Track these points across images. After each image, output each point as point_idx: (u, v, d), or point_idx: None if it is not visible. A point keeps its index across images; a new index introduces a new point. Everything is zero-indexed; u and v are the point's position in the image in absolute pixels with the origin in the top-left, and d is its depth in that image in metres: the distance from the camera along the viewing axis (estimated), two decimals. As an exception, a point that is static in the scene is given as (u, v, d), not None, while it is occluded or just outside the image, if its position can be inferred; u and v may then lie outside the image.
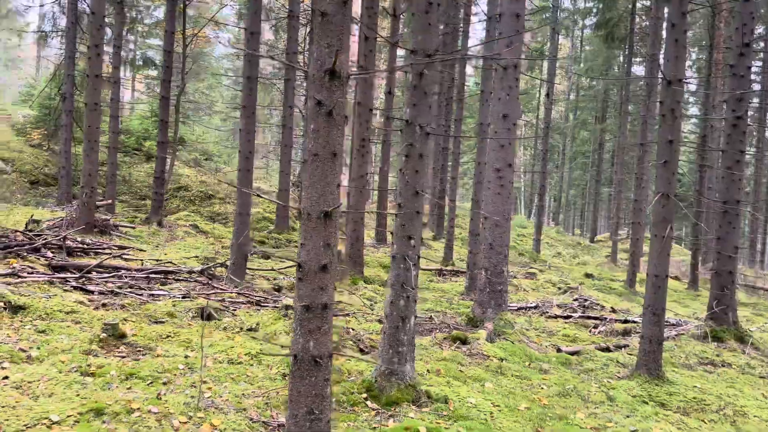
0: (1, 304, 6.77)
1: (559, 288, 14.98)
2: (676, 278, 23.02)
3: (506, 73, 9.83)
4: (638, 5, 25.88)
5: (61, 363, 5.52)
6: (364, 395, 5.61)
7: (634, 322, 10.79)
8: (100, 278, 9.16)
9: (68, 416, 4.42)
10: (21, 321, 6.63)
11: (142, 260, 11.20)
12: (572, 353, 8.59)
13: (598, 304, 12.61)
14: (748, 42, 10.54)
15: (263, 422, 4.83)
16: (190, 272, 10.38)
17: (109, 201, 16.97)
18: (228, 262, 10.76)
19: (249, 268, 11.35)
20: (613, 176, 31.76)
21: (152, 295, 8.76)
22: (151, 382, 5.36)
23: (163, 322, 7.49)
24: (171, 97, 17.64)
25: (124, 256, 11.26)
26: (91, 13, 13.82)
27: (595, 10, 31.97)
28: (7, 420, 4.26)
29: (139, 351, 6.29)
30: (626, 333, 10.31)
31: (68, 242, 10.73)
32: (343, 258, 13.32)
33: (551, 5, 27.73)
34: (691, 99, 34.06)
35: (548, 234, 32.82)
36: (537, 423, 5.71)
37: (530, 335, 9.48)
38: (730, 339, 10.20)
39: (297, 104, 19.18)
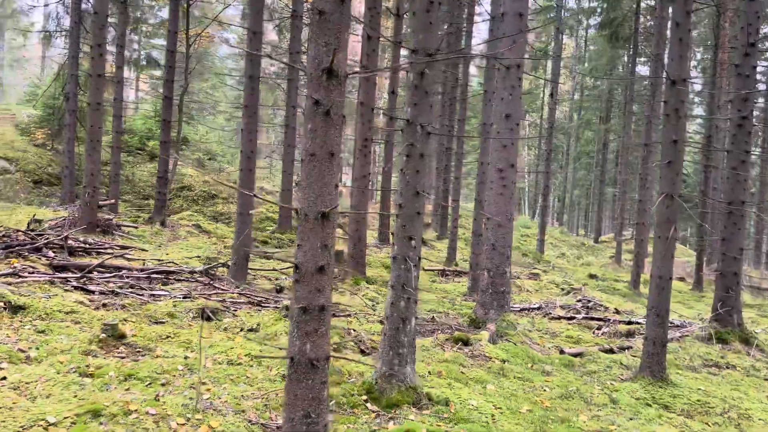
0: (1, 304, 6.75)
1: (563, 289, 14.92)
2: (681, 279, 22.91)
3: (509, 73, 9.77)
4: (643, 5, 25.79)
5: (60, 363, 5.49)
6: (365, 397, 5.56)
7: (638, 323, 10.71)
8: (101, 278, 9.14)
9: (65, 418, 4.38)
10: (21, 321, 6.60)
11: (143, 260, 11.18)
12: (575, 355, 8.53)
13: (601, 305, 12.54)
14: (754, 42, 10.46)
15: (262, 424, 4.79)
16: (192, 272, 10.36)
17: (112, 201, 16.97)
18: (229, 263, 10.73)
19: (251, 269, 11.32)
20: (618, 176, 31.68)
21: (153, 295, 8.73)
22: (150, 383, 5.33)
23: (163, 323, 7.46)
24: (174, 97, 17.63)
25: (126, 256, 11.24)
26: (94, 12, 13.81)
27: (599, 10, 31.88)
28: (4, 421, 4.23)
29: (139, 352, 6.26)
30: (630, 334, 10.24)
31: (70, 242, 10.72)
32: (345, 258, 13.28)
33: (555, 5, 27.66)
34: (696, 99, 33.95)
35: (552, 234, 32.74)
36: (539, 425, 5.65)
37: (533, 336, 9.43)
38: (735, 341, 10.12)
39: (300, 104, 19.14)
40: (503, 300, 10.02)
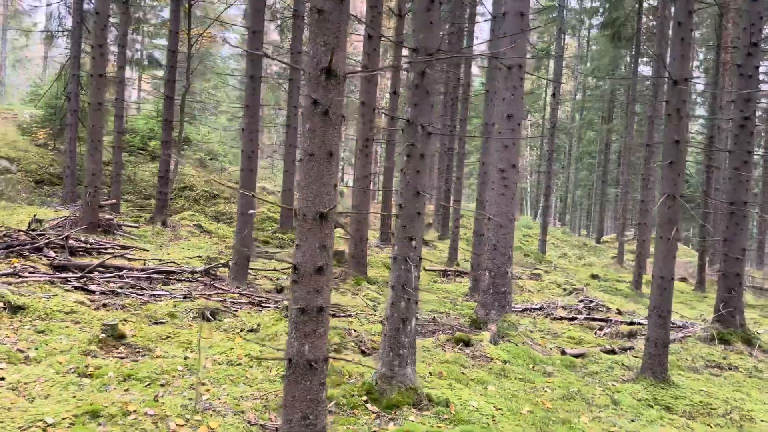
0: (1, 304, 6.74)
1: (565, 289, 14.88)
2: (683, 280, 22.85)
3: (510, 73, 9.74)
4: (645, 5, 25.72)
5: (59, 364, 5.48)
6: (365, 398, 5.54)
7: (640, 324, 10.67)
8: (101, 278, 9.13)
9: (63, 418, 4.37)
10: (20, 321, 6.59)
11: (144, 260, 11.17)
12: (577, 356, 8.49)
13: (603, 306, 12.51)
14: (756, 41, 10.42)
15: (261, 425, 4.77)
16: (193, 272, 10.34)
17: (114, 201, 16.96)
18: (230, 263, 10.71)
19: (252, 269, 11.31)
20: (620, 177, 31.61)
21: (153, 295, 8.72)
22: (149, 384, 5.31)
23: (163, 323, 7.44)
24: (176, 97, 17.63)
25: (126, 256, 11.23)
26: (96, 12, 13.80)
27: (601, 10, 31.78)
28: (2, 422, 4.21)
29: (138, 352, 6.24)
30: (632, 335, 10.20)
31: (71, 242, 10.71)
32: (346, 258, 13.26)
33: (557, 4, 27.61)
34: (699, 99, 33.88)
35: (554, 235, 32.69)
36: (540, 427, 5.63)
37: (534, 337, 9.40)
38: (737, 341, 10.08)
39: (302, 104, 19.12)
40: (504, 300, 9.98)
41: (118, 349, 6.23)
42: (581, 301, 12.86)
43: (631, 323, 10.84)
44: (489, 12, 14.93)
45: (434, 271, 16.01)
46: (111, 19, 16.51)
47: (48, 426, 4.25)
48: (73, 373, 5.33)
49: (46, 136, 20.99)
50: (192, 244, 14.34)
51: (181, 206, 20.01)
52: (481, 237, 12.61)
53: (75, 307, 7.23)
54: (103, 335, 6.28)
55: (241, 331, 7.51)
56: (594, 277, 18.96)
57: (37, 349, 5.83)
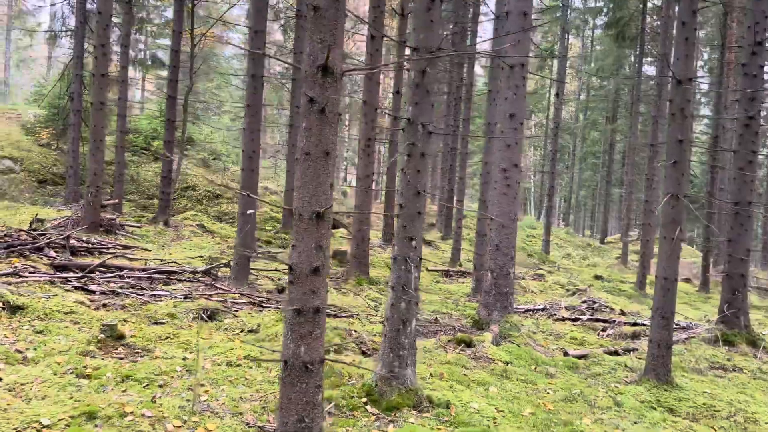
0: (0, 304, 6.71)
1: (568, 290, 14.80)
2: (688, 280, 22.75)
3: (513, 72, 9.68)
4: (649, 4, 25.61)
5: (57, 365, 5.44)
6: (364, 399, 5.49)
7: (644, 325, 10.60)
8: (102, 278, 9.10)
9: (59, 420, 4.33)
10: (19, 321, 6.56)
11: (146, 260, 11.14)
12: (579, 357, 8.43)
13: (607, 307, 12.43)
14: (761, 40, 10.34)
15: (259, 427, 4.73)
16: (194, 272, 10.31)
17: (116, 200, 16.96)
18: (231, 263, 10.68)
19: (253, 269, 11.27)
20: (624, 177, 31.48)
21: (154, 295, 8.69)
22: (147, 385, 5.27)
23: (163, 323, 7.41)
24: (179, 97, 17.62)
25: (128, 256, 11.21)
26: (98, 12, 13.80)
27: (605, 10, 31.68)
28: (-3, 423, 4.18)
29: (137, 352, 6.20)
30: (635, 336, 10.13)
31: (72, 241, 10.69)
32: (348, 258, 13.22)
33: (561, 4, 27.50)
34: (703, 99, 33.72)
35: (558, 235, 32.59)
36: (541, 429, 5.57)
37: (537, 338, 9.33)
38: (742, 343, 9.99)
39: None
40: (507, 301, 9.93)
41: (117, 349, 6.19)
42: (584, 301, 12.79)
43: (635, 324, 10.76)
44: (492, 12, 14.88)
45: (437, 271, 15.96)
46: (114, 19, 16.50)
47: (43, 427, 4.22)
48: (70, 373, 5.30)
49: (49, 135, 21.00)
50: (194, 244, 14.32)
51: (184, 206, 20.00)
52: (484, 237, 12.55)
53: (74, 308, 7.20)
54: (102, 336, 6.26)
55: (241, 331, 7.48)
56: (597, 277, 18.87)
57: (35, 349, 5.80)
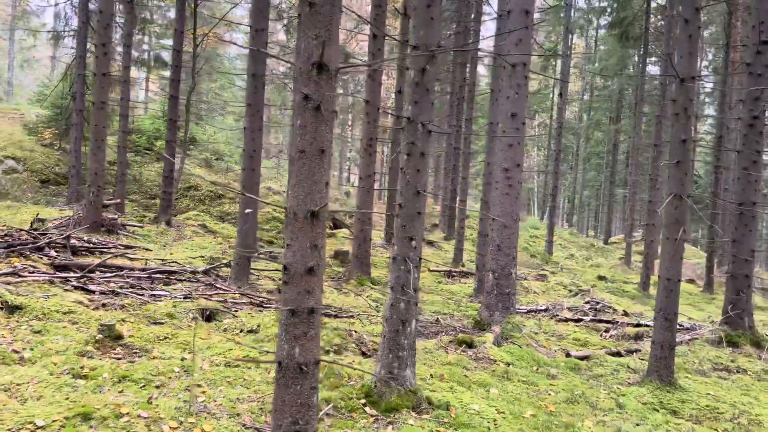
0: (-2, 303, 6.69)
1: (571, 290, 14.72)
2: (691, 281, 22.64)
3: (515, 71, 9.62)
4: (653, 4, 25.50)
5: (54, 365, 5.41)
6: (363, 401, 5.44)
7: (647, 326, 10.52)
8: (102, 278, 9.07)
9: (54, 421, 4.29)
10: (17, 321, 6.53)
11: (146, 260, 11.11)
12: (582, 358, 8.37)
13: (610, 307, 12.35)
14: (766, 39, 10.25)
15: (256, 428, 4.68)
16: (194, 272, 10.28)
17: (118, 200, 16.94)
18: (232, 263, 10.63)
19: (254, 268, 11.23)
20: (628, 177, 31.38)
21: (153, 295, 8.65)
22: (144, 386, 5.23)
23: (162, 323, 7.37)
24: (181, 97, 17.59)
25: (128, 256, 11.17)
26: (99, 12, 13.78)
27: (609, 9, 31.59)
28: (-9, 424, 4.15)
29: (135, 353, 6.17)
30: (638, 337, 10.06)
31: (73, 241, 10.67)
32: (350, 259, 13.17)
33: (564, 4, 27.40)
34: (708, 99, 33.60)
35: (561, 235, 32.49)
36: (542, 431, 5.51)
37: (539, 339, 9.27)
38: (746, 344, 9.91)
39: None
40: (508, 302, 9.87)
41: (114, 349, 6.15)
42: (587, 302, 12.72)
43: (638, 325, 10.69)
44: (494, 11, 14.82)
45: (439, 271, 15.90)
46: (117, 19, 16.48)
47: (38, 428, 4.18)
48: (67, 374, 5.26)
49: (51, 135, 21.00)
50: (196, 244, 14.28)
51: (186, 206, 19.97)
52: (486, 237, 12.49)
53: (73, 307, 7.16)
54: (100, 336, 6.22)
55: (241, 331, 7.43)
56: (601, 278, 18.79)
57: (32, 349, 5.76)
